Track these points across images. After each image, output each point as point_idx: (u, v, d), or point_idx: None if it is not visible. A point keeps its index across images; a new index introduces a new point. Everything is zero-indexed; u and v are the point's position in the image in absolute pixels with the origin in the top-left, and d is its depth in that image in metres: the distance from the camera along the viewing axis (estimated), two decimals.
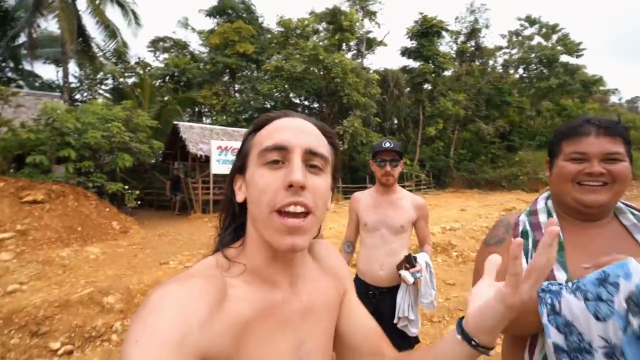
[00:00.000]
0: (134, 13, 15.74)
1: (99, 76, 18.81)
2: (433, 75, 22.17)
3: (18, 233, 5.90)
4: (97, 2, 14.55)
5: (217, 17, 23.09)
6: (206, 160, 11.70)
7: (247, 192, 0.55)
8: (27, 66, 18.15)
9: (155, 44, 22.57)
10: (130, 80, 19.14)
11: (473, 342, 0.46)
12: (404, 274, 1.74)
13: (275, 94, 19.95)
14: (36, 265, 4.77)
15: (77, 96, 18.75)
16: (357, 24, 21.34)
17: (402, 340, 1.88)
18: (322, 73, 18.36)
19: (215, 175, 11.29)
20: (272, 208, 0.49)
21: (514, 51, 25.12)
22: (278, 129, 0.54)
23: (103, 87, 19.43)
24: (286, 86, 18.83)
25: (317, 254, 0.68)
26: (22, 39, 16.32)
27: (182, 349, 0.38)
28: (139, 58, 21.38)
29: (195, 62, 21.37)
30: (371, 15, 22.76)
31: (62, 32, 13.47)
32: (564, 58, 23.17)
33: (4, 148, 7.94)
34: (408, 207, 1.88)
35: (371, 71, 21.78)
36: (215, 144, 11.18)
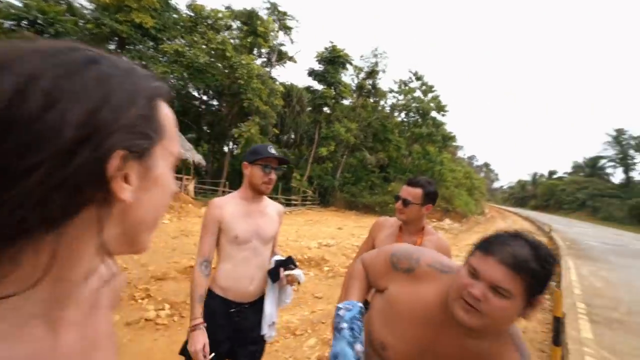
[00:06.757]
0: None
1: None
2: (333, 100, 23.89)
3: None
4: None
5: None
6: None
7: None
8: None
9: None
10: None
11: None
12: (297, 272, 1.72)
13: (171, 80, 18.02)
14: None
15: None
16: (272, 33, 21.48)
17: (257, 346, 1.78)
18: (226, 71, 17.61)
19: None
20: None
21: (400, 97, 29.37)
22: None
23: None
24: (185, 74, 17.32)
25: None
26: None
27: None
28: None
29: (74, 17, 17.62)
30: (287, 29, 23.23)
31: None
32: (434, 114, 28.51)
33: None
34: (274, 215, 1.81)
35: (277, 82, 22.05)
36: None
